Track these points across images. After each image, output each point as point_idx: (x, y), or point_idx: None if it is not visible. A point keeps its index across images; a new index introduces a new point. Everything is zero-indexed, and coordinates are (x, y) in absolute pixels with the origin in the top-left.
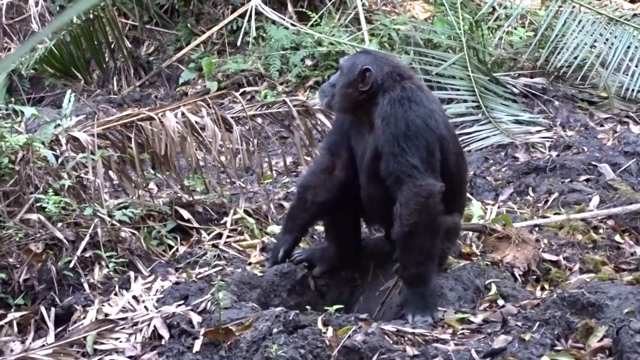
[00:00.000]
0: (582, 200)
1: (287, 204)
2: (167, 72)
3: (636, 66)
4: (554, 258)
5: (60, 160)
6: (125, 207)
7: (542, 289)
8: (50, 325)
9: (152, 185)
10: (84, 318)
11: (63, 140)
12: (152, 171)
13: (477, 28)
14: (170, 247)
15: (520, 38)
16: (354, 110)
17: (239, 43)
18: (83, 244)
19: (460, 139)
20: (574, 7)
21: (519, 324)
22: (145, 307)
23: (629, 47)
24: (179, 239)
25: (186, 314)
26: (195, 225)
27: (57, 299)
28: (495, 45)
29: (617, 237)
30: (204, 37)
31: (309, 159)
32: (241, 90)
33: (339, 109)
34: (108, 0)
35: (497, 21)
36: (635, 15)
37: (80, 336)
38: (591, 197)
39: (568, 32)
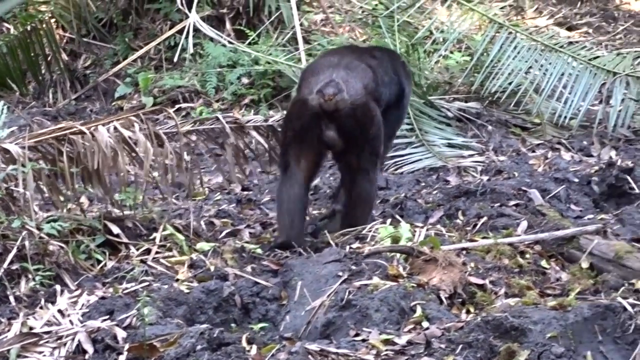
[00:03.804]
0: (511, 225)
1: (217, 222)
2: (103, 86)
3: (569, 93)
4: (480, 281)
5: None
6: (55, 220)
7: (468, 312)
8: None
9: (83, 199)
10: (9, 331)
11: None
12: (83, 185)
13: (413, 51)
14: (99, 261)
15: (457, 62)
16: None
17: (176, 59)
18: (10, 256)
19: (393, 161)
20: (510, 33)
21: (443, 346)
22: (70, 321)
23: (563, 74)
24: (107, 253)
25: (111, 329)
26: (125, 240)
27: None
28: (431, 69)
29: (543, 263)
30: (141, 52)
31: (241, 176)
32: (177, 106)
33: None
34: (46, 14)
35: (433, 45)
36: (571, 43)
37: (3, 349)
38: (519, 222)
39: (504, 58)
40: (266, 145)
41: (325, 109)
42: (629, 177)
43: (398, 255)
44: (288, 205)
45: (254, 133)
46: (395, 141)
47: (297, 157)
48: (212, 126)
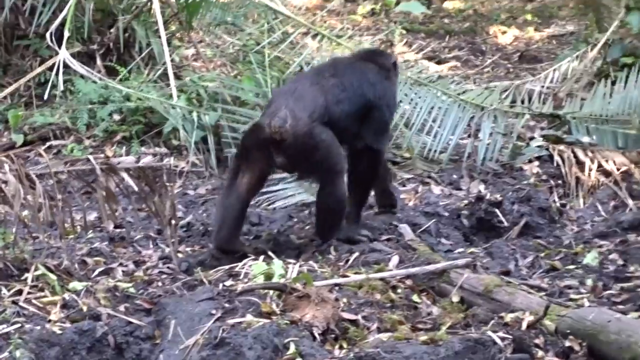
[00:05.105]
0: (382, 260)
1: (90, 260)
2: None
3: (439, 127)
4: (352, 317)
5: None
6: None
7: (341, 347)
8: None
9: None
10: None
11: None
12: None
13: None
14: None
15: None
16: None
17: (46, 96)
18: None
19: (265, 196)
20: None
21: None
22: None
23: (432, 108)
24: None
25: None
26: None
27: None
28: None
29: (415, 297)
30: (11, 88)
31: (111, 215)
32: (48, 143)
33: None
34: None
35: None
36: (440, 77)
37: None
38: (391, 257)
39: None
40: (136, 188)
41: (273, 138)
42: (497, 211)
43: (271, 292)
44: (222, 212)
45: (124, 175)
46: None
47: (243, 172)
48: (84, 167)
